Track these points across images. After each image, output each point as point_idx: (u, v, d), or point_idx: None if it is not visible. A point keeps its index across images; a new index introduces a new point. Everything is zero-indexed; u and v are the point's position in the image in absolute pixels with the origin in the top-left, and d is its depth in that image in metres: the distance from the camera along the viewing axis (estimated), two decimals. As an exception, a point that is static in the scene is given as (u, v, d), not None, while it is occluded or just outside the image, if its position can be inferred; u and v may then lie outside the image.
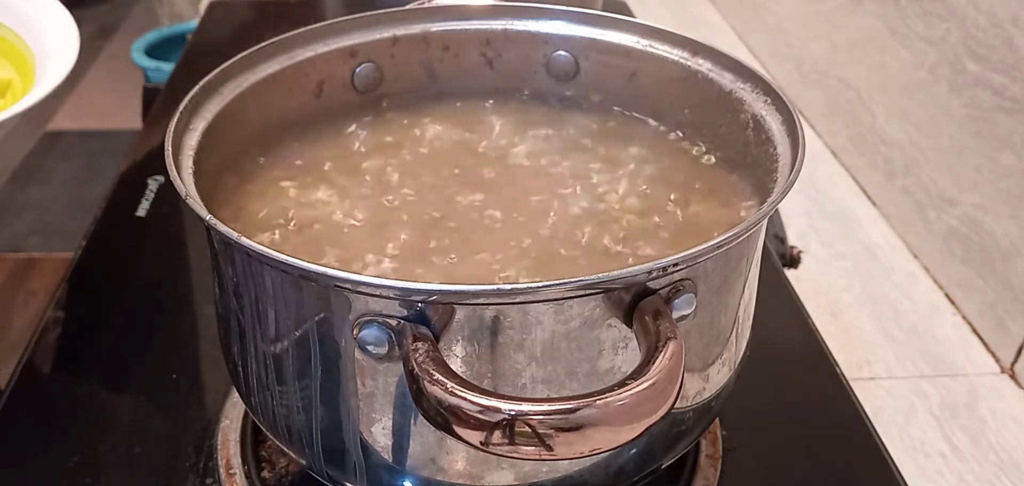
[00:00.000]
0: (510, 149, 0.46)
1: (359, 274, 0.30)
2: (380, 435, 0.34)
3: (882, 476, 0.46)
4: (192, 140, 0.38)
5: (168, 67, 1.47)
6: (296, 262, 0.30)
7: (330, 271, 0.30)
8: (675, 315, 0.31)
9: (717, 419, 0.47)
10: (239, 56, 0.43)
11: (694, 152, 0.46)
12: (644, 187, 0.43)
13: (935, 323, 0.72)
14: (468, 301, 0.30)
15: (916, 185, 0.79)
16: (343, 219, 0.41)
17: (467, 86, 0.50)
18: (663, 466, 0.38)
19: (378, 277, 0.29)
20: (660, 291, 0.31)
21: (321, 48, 0.47)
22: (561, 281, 0.29)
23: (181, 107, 0.38)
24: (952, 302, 0.74)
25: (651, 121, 0.48)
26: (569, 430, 0.26)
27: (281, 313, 0.33)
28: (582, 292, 0.30)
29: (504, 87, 0.50)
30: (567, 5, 0.49)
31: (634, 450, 0.36)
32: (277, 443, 0.38)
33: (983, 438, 0.61)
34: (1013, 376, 0.67)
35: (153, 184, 0.67)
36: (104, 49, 2.70)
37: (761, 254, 0.38)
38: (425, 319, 0.30)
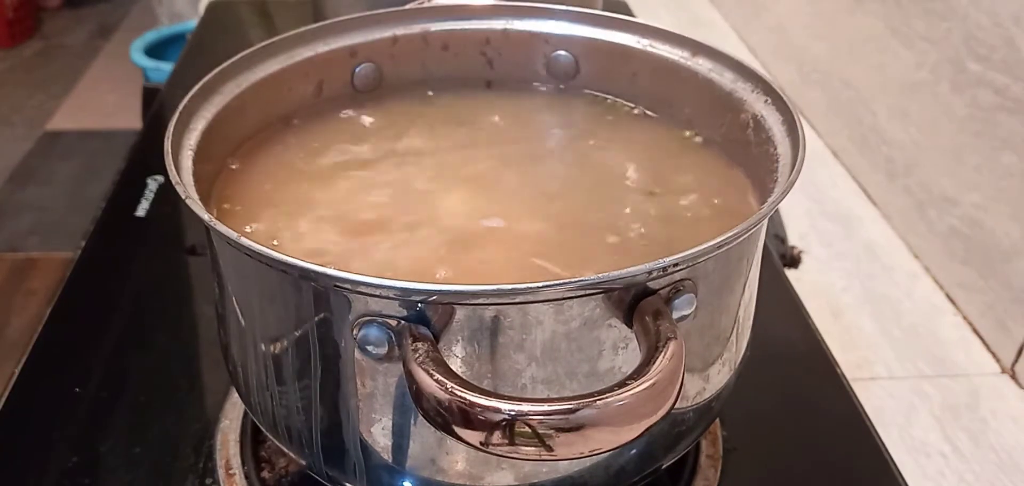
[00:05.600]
0: (510, 148, 0.46)
1: (359, 274, 0.29)
2: (380, 435, 0.34)
3: (882, 476, 0.46)
4: (192, 140, 0.38)
5: (168, 67, 1.47)
6: (296, 262, 0.30)
7: (330, 271, 0.30)
8: (675, 315, 0.31)
9: (717, 419, 0.47)
10: (239, 56, 0.43)
11: (696, 150, 0.46)
12: (643, 179, 0.43)
13: (936, 323, 0.72)
14: (468, 301, 0.30)
15: (917, 185, 0.79)
16: (343, 218, 0.40)
17: (467, 86, 0.50)
18: (663, 466, 0.38)
19: (377, 277, 0.29)
20: (660, 291, 0.31)
21: (321, 48, 0.47)
22: (561, 281, 0.29)
23: (181, 107, 0.38)
24: (953, 302, 0.74)
25: (652, 116, 0.48)
26: (569, 430, 0.26)
27: (281, 313, 0.33)
28: (582, 292, 0.30)
29: (504, 87, 0.50)
30: (567, 5, 0.49)
31: (634, 450, 0.36)
32: (277, 443, 0.38)
33: (984, 438, 0.61)
34: (1014, 376, 0.67)
35: (153, 184, 0.67)
36: (104, 49, 2.70)
37: (761, 254, 0.38)
38: (425, 319, 0.30)
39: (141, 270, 0.60)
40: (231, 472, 0.44)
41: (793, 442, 0.49)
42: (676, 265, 0.30)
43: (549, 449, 0.26)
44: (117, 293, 0.58)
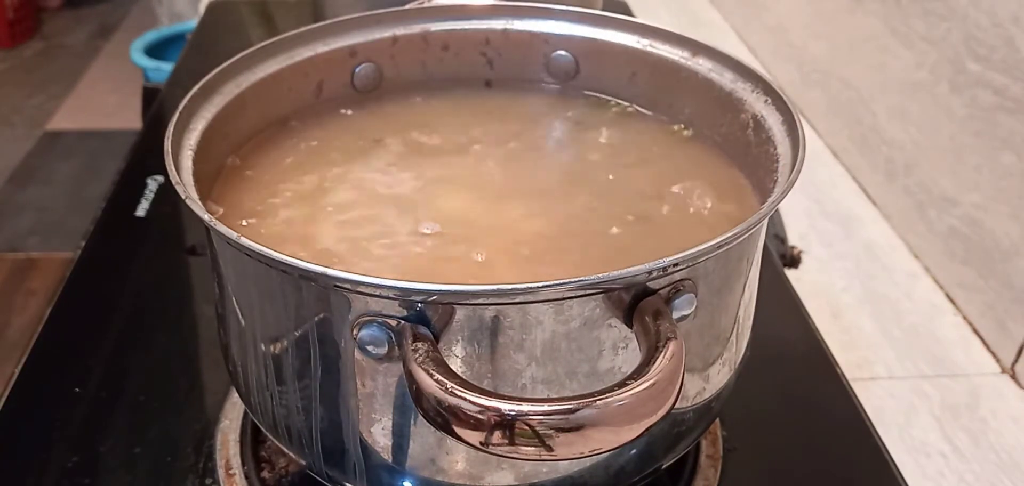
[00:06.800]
0: (510, 148, 0.46)
1: (359, 274, 0.29)
2: (380, 435, 0.34)
3: (882, 476, 0.46)
4: (192, 140, 0.38)
5: (168, 67, 1.47)
6: (296, 262, 0.30)
7: (330, 271, 0.30)
8: (675, 315, 0.31)
9: (717, 419, 0.47)
10: (239, 56, 0.43)
11: (695, 150, 0.46)
12: (642, 177, 0.43)
13: (936, 323, 0.72)
14: (468, 301, 0.30)
15: (917, 185, 0.79)
16: (341, 219, 0.40)
17: (467, 86, 0.50)
18: (663, 466, 0.38)
19: (377, 277, 0.29)
20: (660, 291, 0.31)
21: (321, 48, 0.47)
22: (561, 281, 0.29)
23: (181, 107, 0.38)
24: (953, 302, 0.74)
25: (652, 116, 0.48)
26: (569, 430, 0.26)
27: (281, 313, 0.33)
28: (582, 292, 0.30)
29: (504, 87, 0.50)
30: (567, 5, 0.49)
31: (634, 450, 0.36)
32: (277, 444, 0.38)
33: (984, 438, 0.61)
34: (1014, 376, 0.67)
35: (153, 184, 0.67)
36: (104, 49, 2.70)
37: (761, 254, 0.38)
38: (425, 319, 0.30)
39: (141, 270, 0.60)
40: (231, 472, 0.44)
41: (793, 442, 0.49)
42: (676, 265, 0.30)
43: (549, 449, 0.26)
44: (117, 293, 0.58)
